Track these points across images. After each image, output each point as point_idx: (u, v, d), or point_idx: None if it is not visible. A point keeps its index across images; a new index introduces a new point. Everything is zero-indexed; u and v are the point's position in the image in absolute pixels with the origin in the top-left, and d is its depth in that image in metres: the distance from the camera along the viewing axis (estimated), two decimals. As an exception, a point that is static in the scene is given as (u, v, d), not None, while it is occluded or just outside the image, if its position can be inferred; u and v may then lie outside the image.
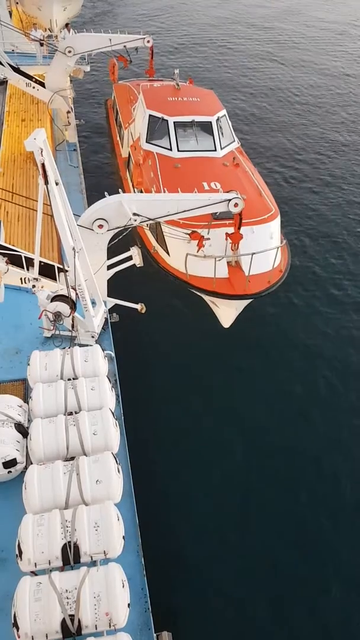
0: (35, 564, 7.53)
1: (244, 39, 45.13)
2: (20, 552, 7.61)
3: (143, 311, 13.49)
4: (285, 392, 16.03)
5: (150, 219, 12.97)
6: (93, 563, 7.71)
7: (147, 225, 17.84)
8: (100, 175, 24.67)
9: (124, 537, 7.94)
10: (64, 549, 7.56)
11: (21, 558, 7.59)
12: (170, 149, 19.62)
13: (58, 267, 13.03)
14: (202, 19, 49.78)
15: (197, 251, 15.31)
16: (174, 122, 19.88)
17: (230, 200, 13.40)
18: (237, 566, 12.26)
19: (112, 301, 13.30)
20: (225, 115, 20.90)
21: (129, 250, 13.31)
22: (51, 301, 11.37)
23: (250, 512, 13.28)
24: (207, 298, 16.32)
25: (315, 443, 14.79)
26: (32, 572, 7.62)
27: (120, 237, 13.32)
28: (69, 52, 21.45)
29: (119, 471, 8.59)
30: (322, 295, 19.53)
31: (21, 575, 7.46)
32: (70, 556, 7.54)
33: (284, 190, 25.08)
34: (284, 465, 14.29)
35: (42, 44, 26.62)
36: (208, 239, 15.25)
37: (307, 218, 23.58)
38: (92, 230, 12.57)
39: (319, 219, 23.50)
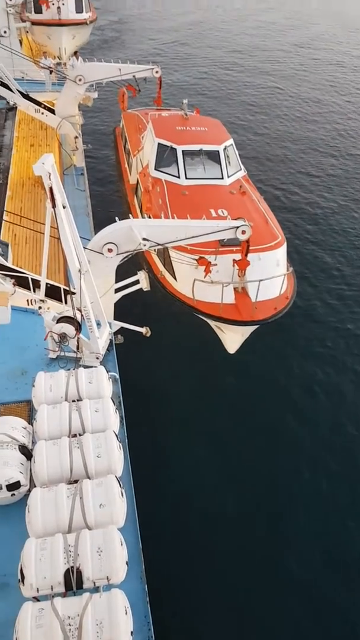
0: (38, 589, 7.41)
1: (250, 70, 45.81)
2: (23, 577, 7.49)
3: (148, 335, 13.51)
4: (291, 419, 15.94)
5: (159, 244, 13.08)
6: (96, 589, 7.59)
7: (155, 250, 17.97)
8: (108, 201, 24.94)
9: (127, 562, 7.82)
10: (67, 574, 7.45)
11: (23, 583, 7.48)
12: (179, 177, 19.90)
13: (65, 290, 13.09)
14: (211, 49, 50.64)
15: (204, 277, 15.41)
16: (183, 151, 20.21)
17: (237, 227, 13.52)
18: (244, 592, 12.06)
19: (118, 324, 13.33)
20: (232, 144, 21.23)
21: (137, 274, 13.41)
22: (57, 322, 11.39)
23: (256, 536, 13.11)
24: (213, 323, 16.36)
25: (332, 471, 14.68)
26: (34, 597, 7.50)
27: (128, 261, 13.42)
28: (80, 80, 21.91)
29: (122, 495, 8.49)
30: (328, 322, 19.53)
31: (23, 600, 7.35)
32: (73, 582, 7.43)
33: (289, 217, 25.22)
34: (289, 490, 14.16)
35: (51, 72, 27.12)
36: (215, 264, 15.34)
37: (311, 243, 23.71)
38: (102, 254, 12.70)
39: (325, 246, 23.60)
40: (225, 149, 20.61)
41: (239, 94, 40.42)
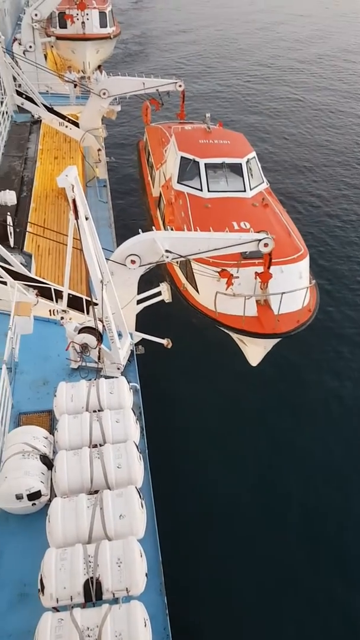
0: (57, 599, 7.42)
1: (273, 82, 45.84)
2: (43, 587, 7.51)
3: (169, 346, 13.53)
4: (315, 436, 15.85)
5: (181, 256, 13.16)
6: (115, 600, 7.57)
7: (177, 262, 18.04)
8: (131, 213, 25.09)
9: (146, 574, 7.79)
10: (86, 585, 7.45)
11: (43, 593, 7.49)
12: (201, 190, 20.00)
13: (87, 300, 13.18)
14: (231, 62, 50.90)
15: (226, 289, 15.40)
16: (205, 164, 20.30)
17: (260, 240, 13.51)
18: (267, 607, 11.94)
19: (139, 335, 13.38)
20: (254, 157, 21.27)
21: (159, 285, 13.47)
22: (78, 333, 11.47)
23: (278, 548, 12.99)
24: (235, 336, 16.32)
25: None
26: (54, 607, 7.51)
27: (150, 273, 13.50)
28: (104, 94, 22.25)
29: (142, 506, 8.49)
30: (351, 337, 19.36)
31: (43, 610, 7.37)
32: (93, 592, 7.42)
33: (312, 229, 25.13)
34: (316, 507, 14.02)
35: (75, 85, 27.50)
36: (237, 277, 15.33)
37: (336, 257, 23.53)
38: (125, 265, 12.81)
39: (349, 262, 23.45)
40: (247, 161, 20.66)
41: (260, 106, 40.52)
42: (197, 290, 17.26)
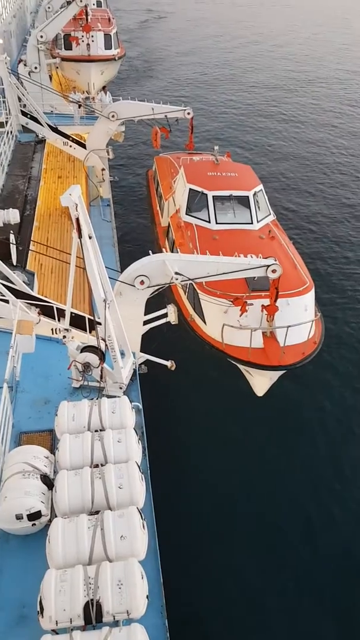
0: (57, 622, 7.31)
1: (281, 104, 46.10)
2: (42, 609, 7.41)
3: (173, 368, 13.55)
4: (313, 465, 15.75)
5: (190, 279, 13.32)
6: (115, 623, 7.46)
7: (186, 293, 18.33)
8: (141, 241, 24.97)
9: (147, 596, 7.69)
10: (86, 607, 7.34)
11: (42, 615, 7.39)
12: (209, 222, 20.26)
13: (90, 319, 13.20)
14: (236, 84, 51.43)
15: (240, 316, 15.53)
16: (213, 196, 20.58)
17: (268, 266, 13.61)
18: (267, 629, 11.78)
19: (143, 356, 13.41)
20: (262, 190, 21.56)
21: (165, 307, 13.54)
22: (81, 352, 11.45)
23: (279, 574, 12.85)
24: (241, 367, 16.43)
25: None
26: (53, 630, 7.40)
27: (157, 294, 13.61)
28: (113, 116, 22.51)
29: (144, 527, 8.40)
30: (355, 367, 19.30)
31: (42, 633, 7.26)
32: (93, 615, 7.31)
33: (317, 263, 25.05)
34: (320, 528, 13.89)
35: (79, 106, 27.83)
36: (251, 304, 15.42)
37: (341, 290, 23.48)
38: (134, 286, 12.94)
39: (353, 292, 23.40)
40: (255, 194, 20.94)
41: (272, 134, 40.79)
42: (205, 322, 17.44)
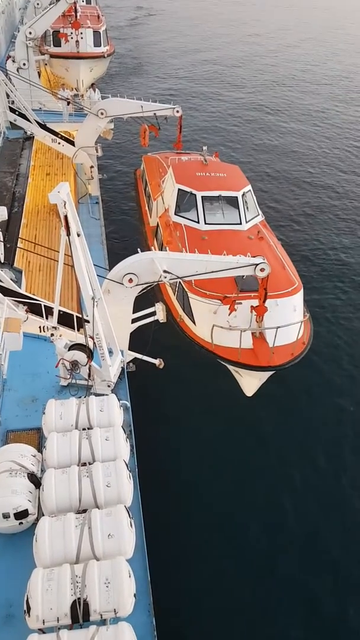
0: (44, 621, 7.28)
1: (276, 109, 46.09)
2: (29, 608, 7.38)
3: (161, 366, 13.58)
4: (301, 462, 15.80)
5: (179, 277, 13.29)
6: (102, 621, 7.44)
7: (175, 294, 18.38)
8: (129, 239, 24.79)
9: (135, 594, 7.68)
10: (74, 606, 7.32)
11: (29, 614, 7.36)
12: (198, 222, 20.22)
13: (78, 317, 13.15)
14: (227, 85, 51.42)
15: (229, 314, 15.54)
16: (202, 197, 20.54)
17: (257, 265, 13.64)
18: (257, 627, 11.80)
19: (131, 354, 13.39)
20: (250, 190, 21.53)
21: (154, 305, 13.52)
22: (69, 350, 11.41)
23: (272, 569, 12.89)
24: (231, 367, 16.46)
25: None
26: (39, 629, 7.37)
27: (145, 293, 13.57)
28: (102, 114, 22.42)
29: (131, 525, 8.39)
30: (345, 367, 19.38)
31: (29, 632, 7.23)
32: (80, 614, 7.30)
33: (305, 262, 25.07)
34: (312, 529, 13.93)
35: (68, 103, 27.68)
36: (240, 303, 15.43)
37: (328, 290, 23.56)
38: (122, 284, 12.91)
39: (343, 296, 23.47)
40: (243, 194, 20.92)
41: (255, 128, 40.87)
42: (194, 322, 17.42)
